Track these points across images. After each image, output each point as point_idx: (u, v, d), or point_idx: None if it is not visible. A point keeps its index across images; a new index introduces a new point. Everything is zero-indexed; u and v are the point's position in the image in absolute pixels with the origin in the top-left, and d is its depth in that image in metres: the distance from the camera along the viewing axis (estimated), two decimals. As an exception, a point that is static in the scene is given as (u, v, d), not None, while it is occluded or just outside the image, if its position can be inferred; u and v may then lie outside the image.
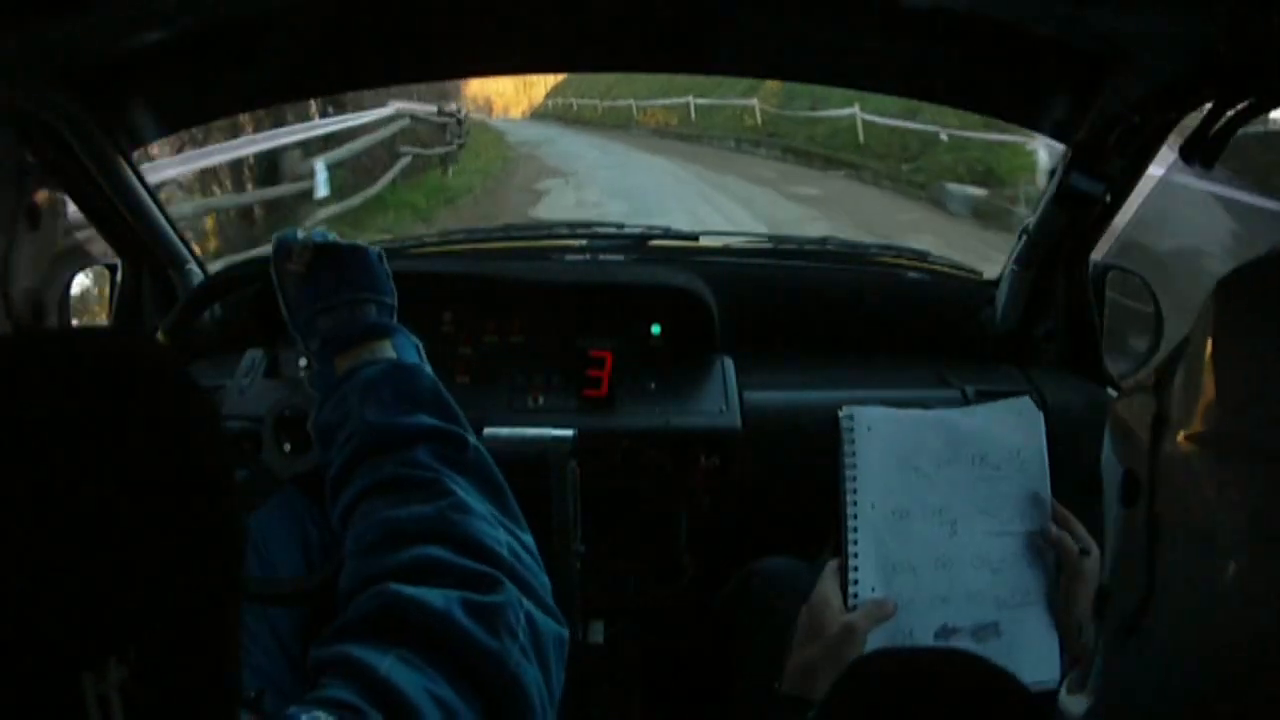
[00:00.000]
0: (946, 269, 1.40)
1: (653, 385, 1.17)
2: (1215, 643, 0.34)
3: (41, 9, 0.73)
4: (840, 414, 0.85)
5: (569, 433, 1.02)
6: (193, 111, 1.17)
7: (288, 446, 1.01)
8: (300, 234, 0.74)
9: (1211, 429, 0.35)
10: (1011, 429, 0.88)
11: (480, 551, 0.53)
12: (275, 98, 1.26)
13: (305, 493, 1.05)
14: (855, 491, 0.83)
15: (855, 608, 0.79)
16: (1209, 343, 0.36)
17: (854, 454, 0.84)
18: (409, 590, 0.50)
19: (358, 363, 0.66)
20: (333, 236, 0.74)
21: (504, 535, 0.55)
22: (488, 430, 1.02)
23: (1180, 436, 0.36)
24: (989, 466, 0.85)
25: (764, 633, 0.84)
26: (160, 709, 0.33)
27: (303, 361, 1.19)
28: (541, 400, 1.16)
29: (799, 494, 0.90)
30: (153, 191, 1.19)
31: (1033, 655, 0.80)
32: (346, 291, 0.70)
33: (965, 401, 1.15)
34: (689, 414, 1.15)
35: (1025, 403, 0.89)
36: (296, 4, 0.91)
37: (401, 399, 0.62)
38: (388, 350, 0.67)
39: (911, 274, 1.38)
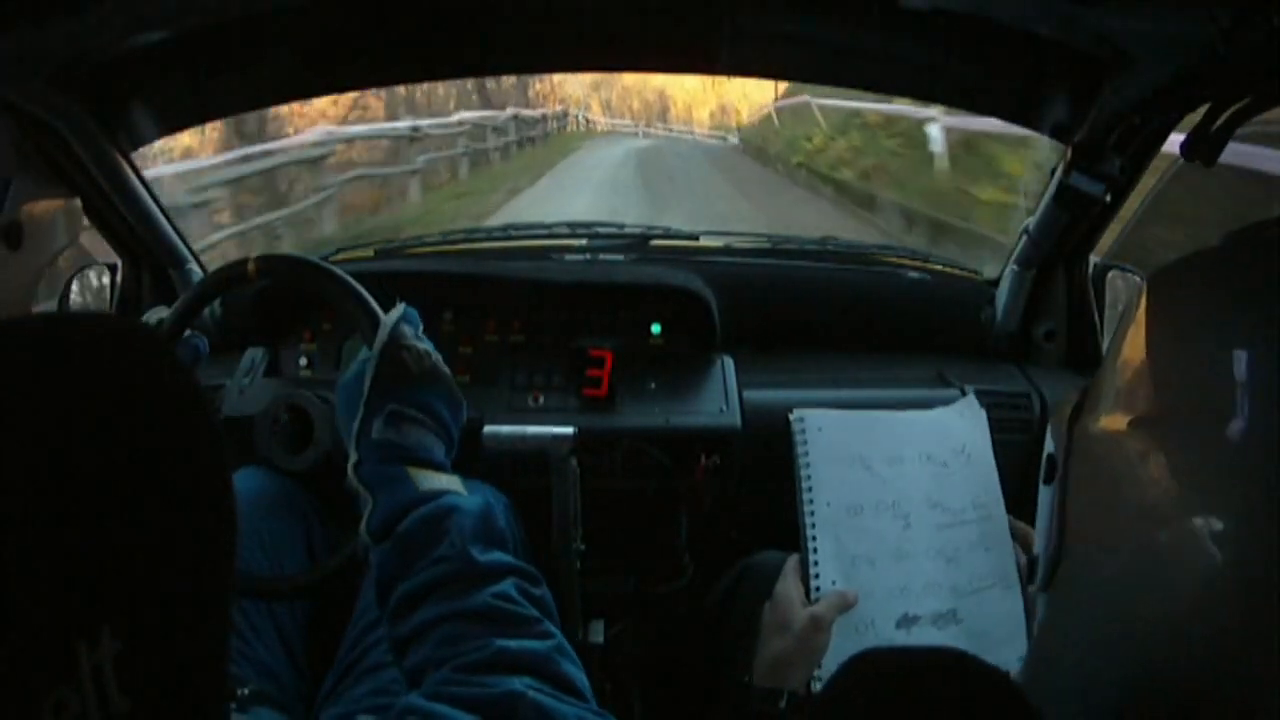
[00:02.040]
0: (946, 269, 1.40)
1: (653, 385, 1.17)
2: (1126, 597, 0.37)
3: (41, 9, 0.73)
4: (791, 417, 0.91)
5: (569, 431, 1.01)
6: (193, 111, 1.17)
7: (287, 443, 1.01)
8: (420, 325, 0.78)
9: (1145, 412, 0.37)
10: (957, 428, 0.93)
11: (575, 691, 0.56)
12: (275, 98, 1.26)
13: (308, 490, 1.05)
14: (810, 490, 0.88)
15: (817, 600, 0.82)
16: (1140, 333, 0.38)
17: (806, 454, 0.89)
18: (534, 694, 0.52)
19: (439, 486, 0.69)
20: (443, 365, 0.77)
21: (582, 675, 0.59)
22: (488, 429, 1.01)
23: (1101, 420, 0.39)
24: (936, 463, 0.90)
25: (756, 627, 0.85)
26: (152, 683, 0.33)
27: (303, 360, 1.20)
28: (542, 399, 1.16)
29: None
30: (153, 191, 1.19)
31: (996, 638, 0.83)
32: (440, 422, 0.74)
33: None
34: (689, 413, 1.15)
35: (970, 403, 0.95)
36: (297, 4, 0.91)
37: (486, 538, 0.66)
38: (460, 486, 0.71)
39: (911, 274, 1.38)
